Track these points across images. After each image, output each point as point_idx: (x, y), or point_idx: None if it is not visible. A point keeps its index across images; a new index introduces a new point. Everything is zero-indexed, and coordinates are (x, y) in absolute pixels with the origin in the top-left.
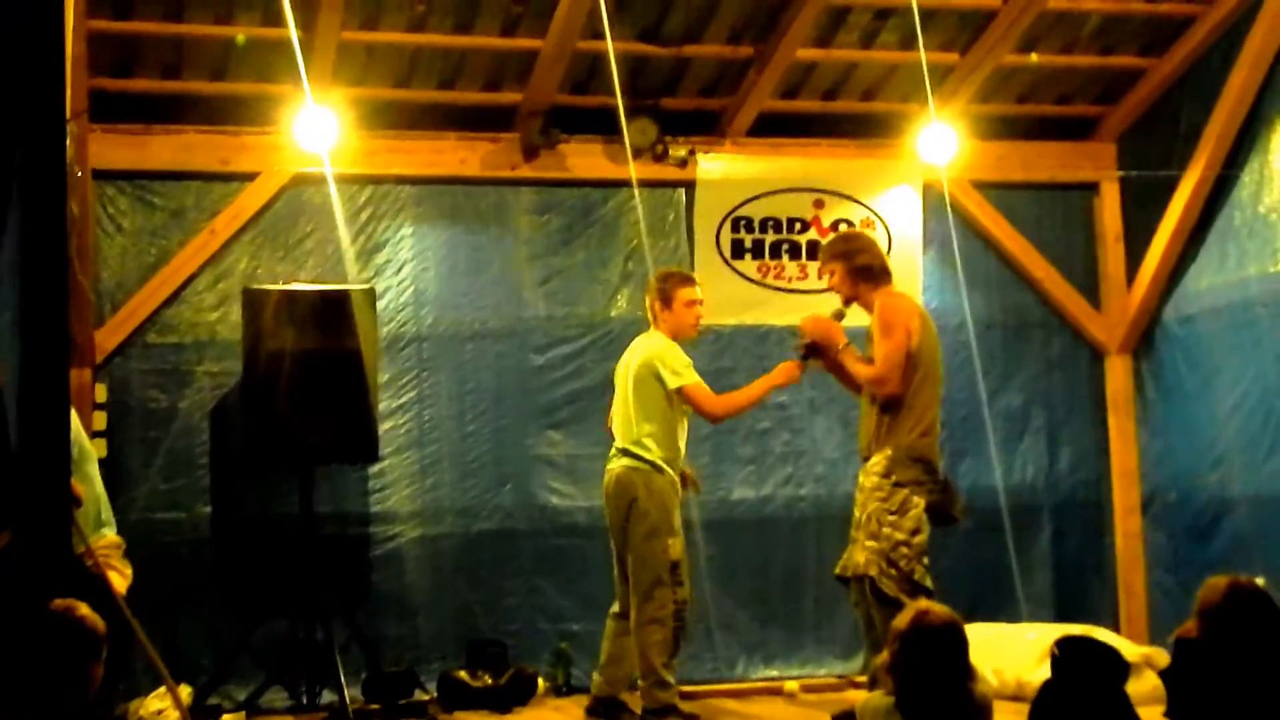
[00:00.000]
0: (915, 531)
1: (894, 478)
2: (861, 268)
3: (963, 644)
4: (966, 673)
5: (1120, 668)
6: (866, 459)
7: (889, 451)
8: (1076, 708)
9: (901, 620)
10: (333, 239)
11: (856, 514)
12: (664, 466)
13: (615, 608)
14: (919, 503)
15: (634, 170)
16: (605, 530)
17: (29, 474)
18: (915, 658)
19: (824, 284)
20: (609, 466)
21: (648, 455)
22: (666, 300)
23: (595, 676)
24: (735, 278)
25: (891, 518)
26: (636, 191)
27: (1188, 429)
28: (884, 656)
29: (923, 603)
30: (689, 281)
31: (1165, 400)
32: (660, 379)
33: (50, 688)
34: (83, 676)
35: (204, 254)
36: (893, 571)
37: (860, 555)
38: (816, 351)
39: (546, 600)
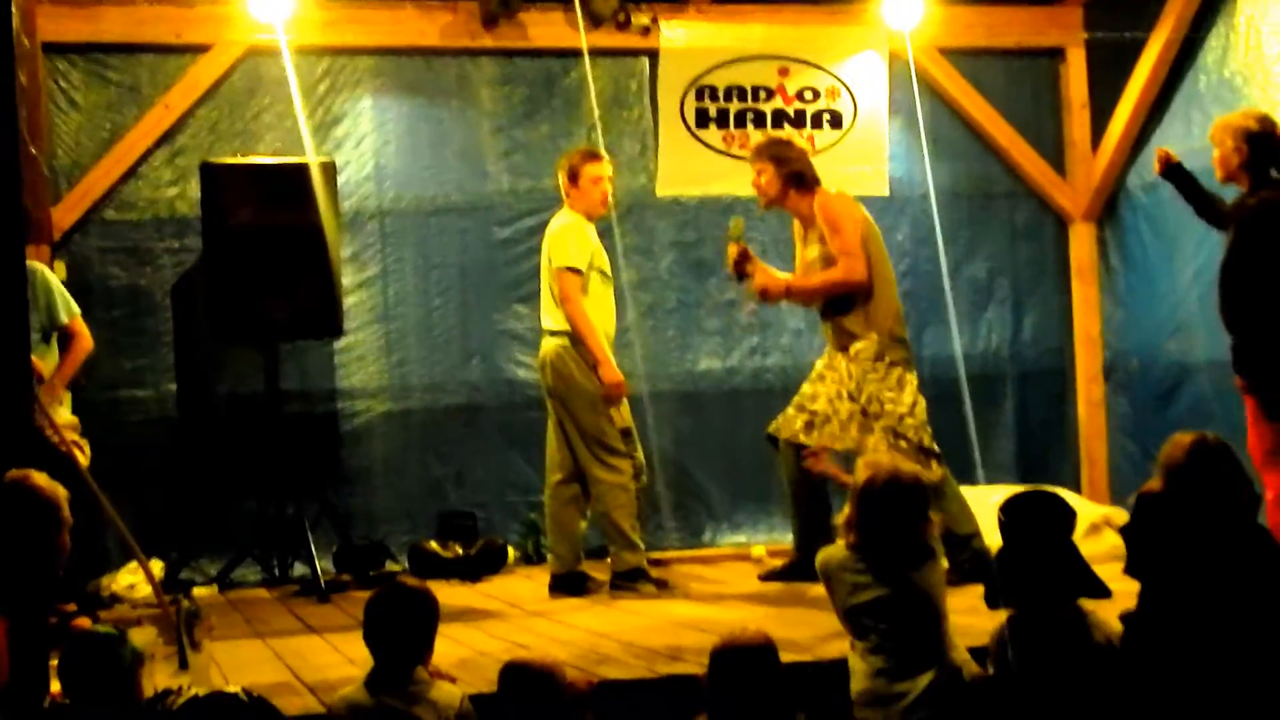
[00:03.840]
0: (915, 404)
1: (887, 359)
2: (794, 174)
3: (924, 497)
4: (926, 526)
5: (1066, 515)
6: (844, 349)
7: (875, 336)
8: (1027, 560)
9: (869, 478)
10: (291, 112)
11: (817, 388)
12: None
13: (556, 476)
14: (912, 379)
15: (585, 41)
16: None
17: None
18: (878, 512)
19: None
20: (541, 347)
21: (572, 332)
22: (574, 178)
23: (549, 556)
24: (700, 148)
25: (891, 394)
26: (588, 61)
27: (1151, 296)
28: (846, 512)
29: (885, 459)
30: (595, 158)
31: (1129, 268)
32: (552, 254)
33: (12, 558)
34: (45, 545)
35: (160, 129)
36: (903, 444)
37: (869, 437)
38: (741, 269)
39: (515, 473)
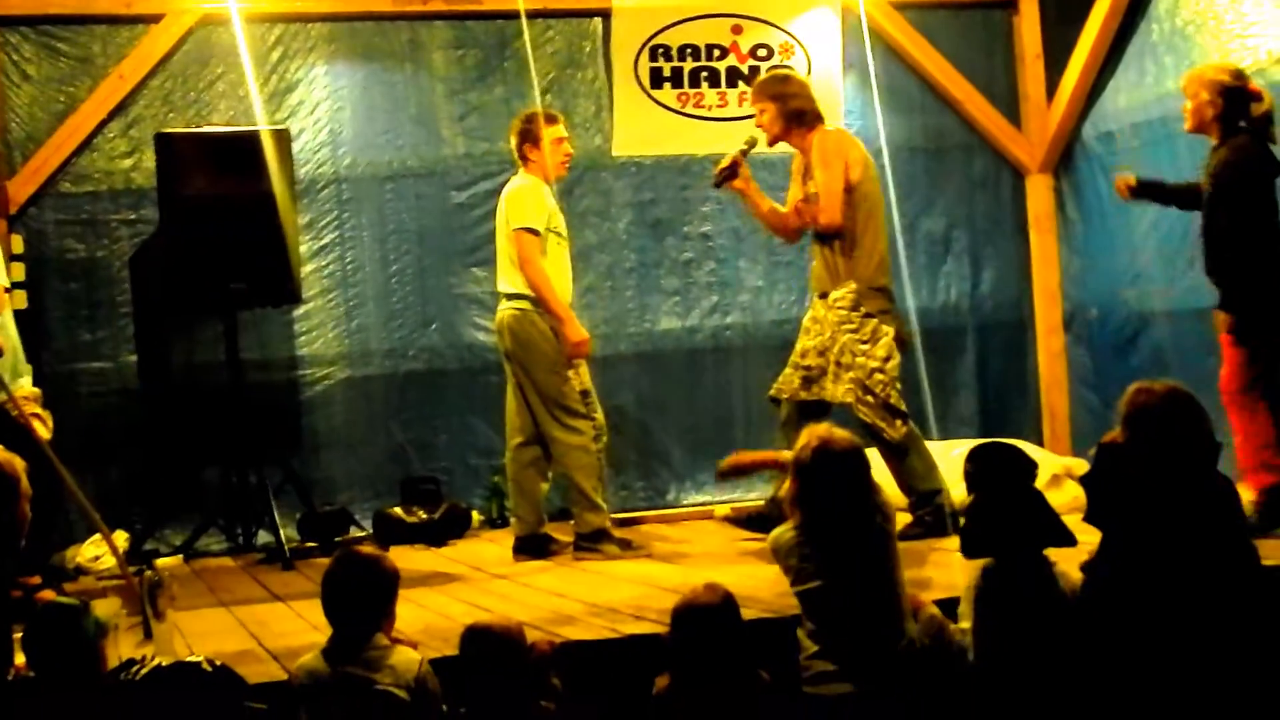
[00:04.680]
0: (887, 359)
1: (863, 309)
2: (795, 111)
3: (864, 467)
4: (869, 496)
5: (1029, 465)
6: (824, 295)
7: (853, 285)
8: (997, 509)
9: (803, 452)
10: (245, 81)
11: (806, 343)
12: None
13: (516, 439)
14: (888, 331)
15: (538, 1)
16: None
17: None
18: (818, 487)
19: (751, 114)
20: (498, 311)
21: (530, 296)
22: (535, 140)
23: (512, 519)
24: (655, 108)
25: (864, 347)
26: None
27: (1108, 247)
28: (786, 488)
29: (821, 429)
30: (554, 120)
31: (1086, 218)
32: (509, 216)
33: None
34: (4, 517)
35: (113, 100)
36: (869, 399)
37: (838, 387)
38: (728, 177)
39: (476, 437)
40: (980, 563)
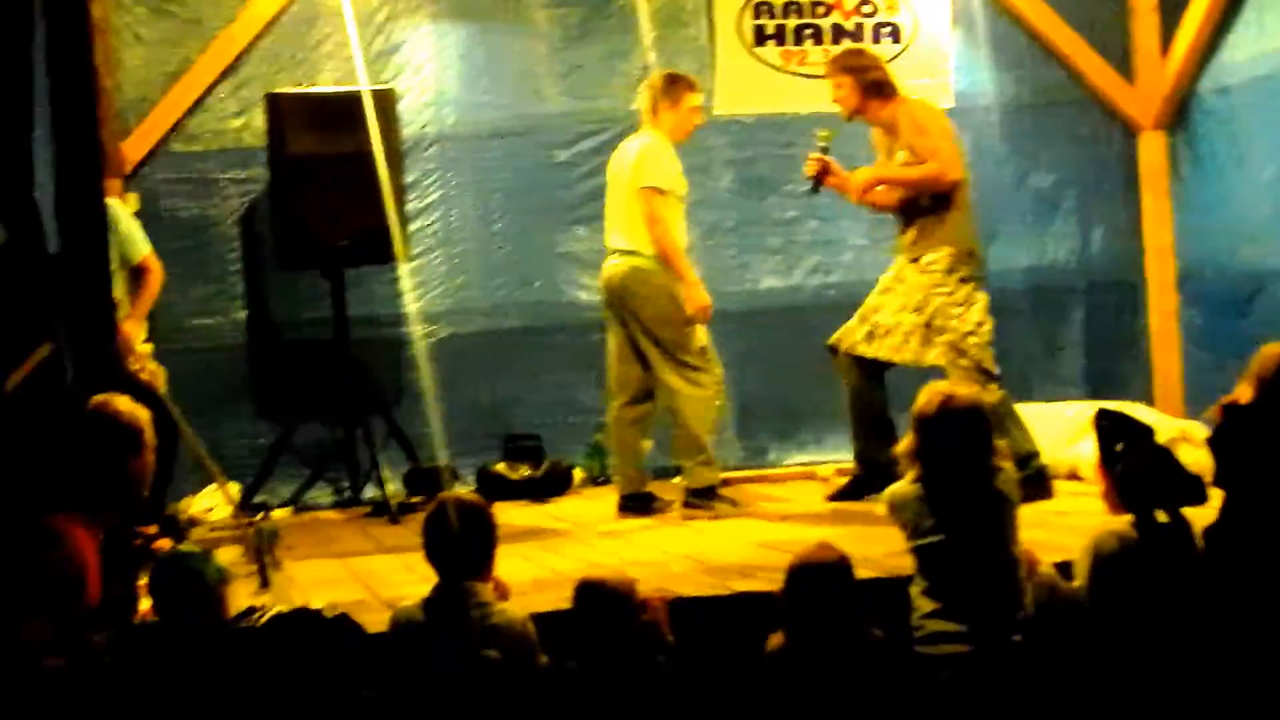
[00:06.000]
0: (981, 323)
1: (957, 274)
2: (872, 83)
3: (986, 425)
4: (990, 454)
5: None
6: (915, 259)
7: (949, 249)
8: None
9: (926, 405)
10: (350, 41)
11: (880, 300)
12: (665, 260)
13: (621, 398)
14: (982, 296)
15: None
16: None
17: (70, 283)
18: (939, 442)
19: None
20: (607, 267)
21: (648, 250)
22: (675, 101)
23: (616, 477)
24: (758, 66)
25: (958, 310)
26: None
27: (1223, 204)
28: (907, 442)
29: (944, 385)
30: (696, 88)
31: (1200, 176)
32: (638, 173)
33: (98, 480)
34: (130, 468)
35: (224, 61)
36: (963, 362)
37: (930, 350)
38: (820, 181)
39: (577, 394)
40: (1104, 522)
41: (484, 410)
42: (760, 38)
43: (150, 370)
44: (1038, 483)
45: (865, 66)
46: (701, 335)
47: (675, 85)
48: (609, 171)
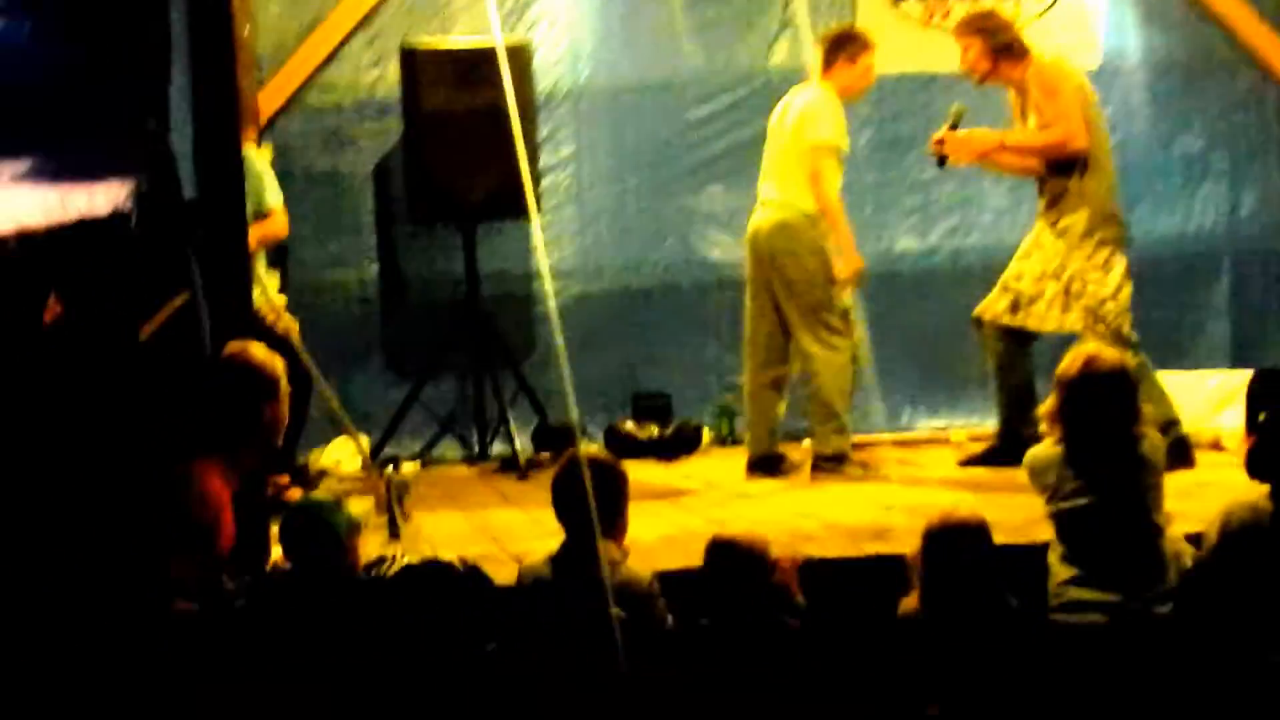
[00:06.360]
0: (1120, 287)
1: (1097, 236)
2: (1003, 44)
3: (1132, 389)
4: (1135, 418)
5: None
6: (1054, 223)
7: (1087, 211)
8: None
9: (1070, 367)
10: None
11: (1022, 266)
12: (818, 217)
13: (760, 357)
14: (1122, 260)
15: None
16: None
17: (208, 232)
18: (1084, 404)
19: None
20: (756, 218)
21: (802, 205)
22: (852, 58)
23: (747, 434)
24: (899, 22)
25: (1096, 275)
26: None
27: None
28: (1049, 404)
29: (1090, 347)
30: (873, 46)
31: None
32: (806, 128)
33: (233, 427)
34: (264, 415)
35: (359, 12)
36: (1100, 327)
37: (1068, 315)
38: (945, 157)
39: (707, 354)
40: (1239, 492)
41: (613, 368)
42: None
43: (285, 321)
44: (1178, 451)
45: (996, 28)
46: (845, 298)
47: (854, 41)
48: (770, 122)
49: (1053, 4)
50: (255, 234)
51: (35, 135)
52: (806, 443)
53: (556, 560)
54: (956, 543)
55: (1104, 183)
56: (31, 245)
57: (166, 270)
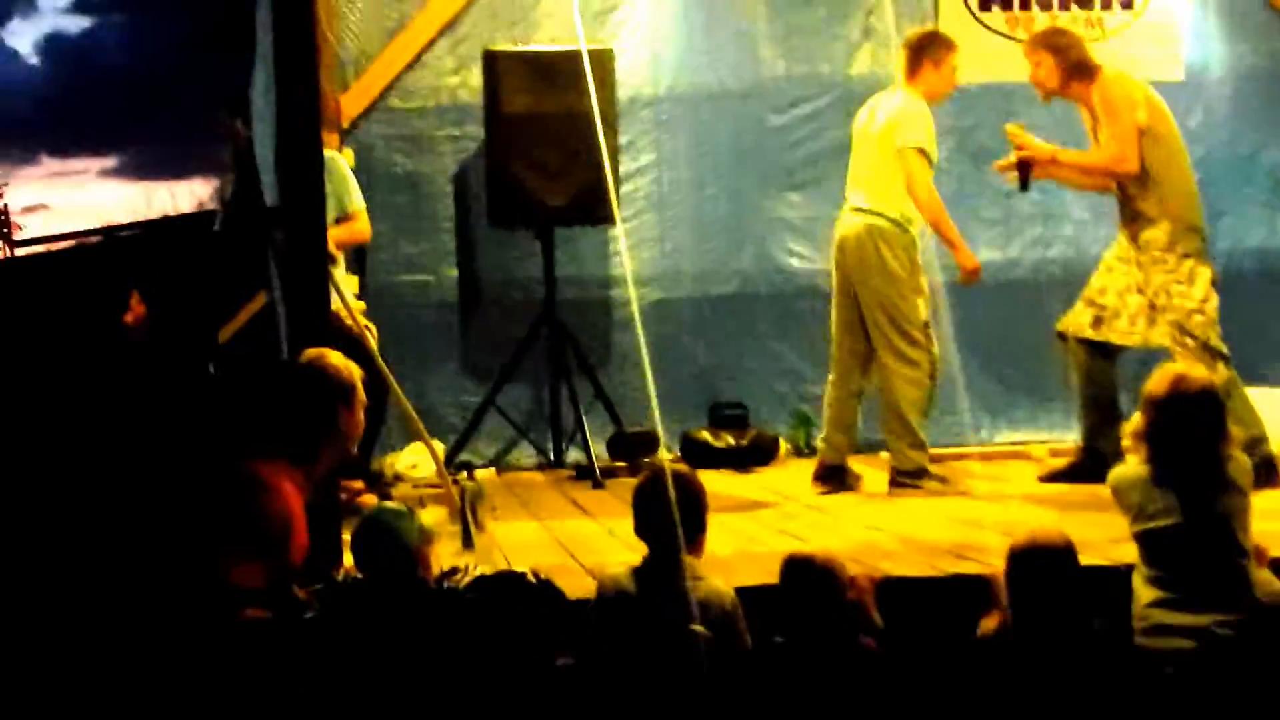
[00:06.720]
0: (1205, 299)
1: (1179, 249)
2: (1075, 63)
3: (1220, 410)
4: (1223, 439)
5: None
6: (1134, 238)
7: (1167, 225)
8: None
9: (1157, 385)
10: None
11: (1105, 281)
12: (905, 225)
13: (842, 367)
14: (1205, 271)
15: None
16: None
17: (287, 235)
18: (1171, 424)
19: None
20: (843, 225)
21: (889, 213)
22: (938, 61)
23: (821, 444)
24: (983, 31)
25: (1180, 288)
26: None
27: None
28: (1136, 422)
29: (1179, 366)
30: (956, 49)
31: None
32: (895, 133)
33: (308, 434)
34: (340, 423)
35: (443, 17)
36: (1188, 340)
37: (1154, 330)
38: (1028, 169)
39: (785, 363)
40: None
41: (689, 376)
42: (985, 2)
43: (363, 326)
44: (1265, 470)
45: (1067, 45)
46: (924, 310)
47: (938, 44)
48: (854, 128)
49: (1135, 17)
50: (340, 236)
51: (122, 132)
52: (884, 455)
53: (640, 574)
54: (1043, 564)
55: (1183, 195)
56: (116, 241)
57: (246, 272)
